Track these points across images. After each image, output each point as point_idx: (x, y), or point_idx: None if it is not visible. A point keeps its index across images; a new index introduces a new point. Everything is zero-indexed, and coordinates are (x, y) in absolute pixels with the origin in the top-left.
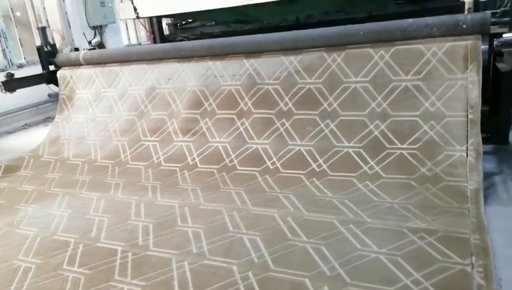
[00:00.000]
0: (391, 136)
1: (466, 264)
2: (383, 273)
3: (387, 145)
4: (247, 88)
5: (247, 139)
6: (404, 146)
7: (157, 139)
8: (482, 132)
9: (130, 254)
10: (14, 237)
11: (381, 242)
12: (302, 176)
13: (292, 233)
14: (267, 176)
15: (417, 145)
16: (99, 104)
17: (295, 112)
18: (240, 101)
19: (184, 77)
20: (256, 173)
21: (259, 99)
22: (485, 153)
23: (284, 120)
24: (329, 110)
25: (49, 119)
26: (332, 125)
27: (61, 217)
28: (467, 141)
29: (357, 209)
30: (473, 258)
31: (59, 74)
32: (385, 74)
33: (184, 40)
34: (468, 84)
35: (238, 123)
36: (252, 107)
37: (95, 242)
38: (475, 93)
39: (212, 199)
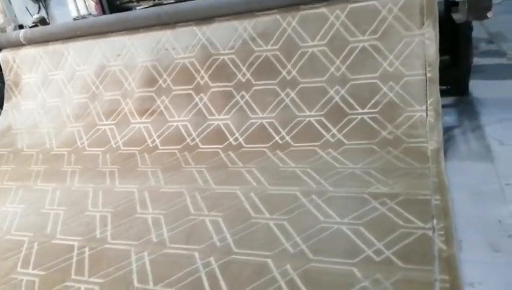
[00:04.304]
0: (351, 100)
1: (427, 228)
2: (346, 245)
3: (348, 111)
4: (201, 60)
5: (207, 115)
6: (365, 110)
7: (113, 122)
8: (442, 84)
9: (87, 249)
10: None
11: (343, 211)
12: (265, 150)
13: (255, 210)
14: (230, 152)
15: (377, 109)
16: (48, 89)
17: (254, 82)
18: (195, 74)
19: (134, 52)
20: (219, 150)
21: (216, 71)
22: (445, 106)
23: (243, 92)
24: (288, 78)
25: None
26: (292, 94)
27: (14, 214)
28: (426, 100)
29: (319, 178)
30: (434, 221)
31: (0, 57)
32: (342, 35)
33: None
34: (425, 41)
35: (197, 99)
36: (209, 81)
37: (51, 239)
38: (432, 50)
39: (173, 181)
